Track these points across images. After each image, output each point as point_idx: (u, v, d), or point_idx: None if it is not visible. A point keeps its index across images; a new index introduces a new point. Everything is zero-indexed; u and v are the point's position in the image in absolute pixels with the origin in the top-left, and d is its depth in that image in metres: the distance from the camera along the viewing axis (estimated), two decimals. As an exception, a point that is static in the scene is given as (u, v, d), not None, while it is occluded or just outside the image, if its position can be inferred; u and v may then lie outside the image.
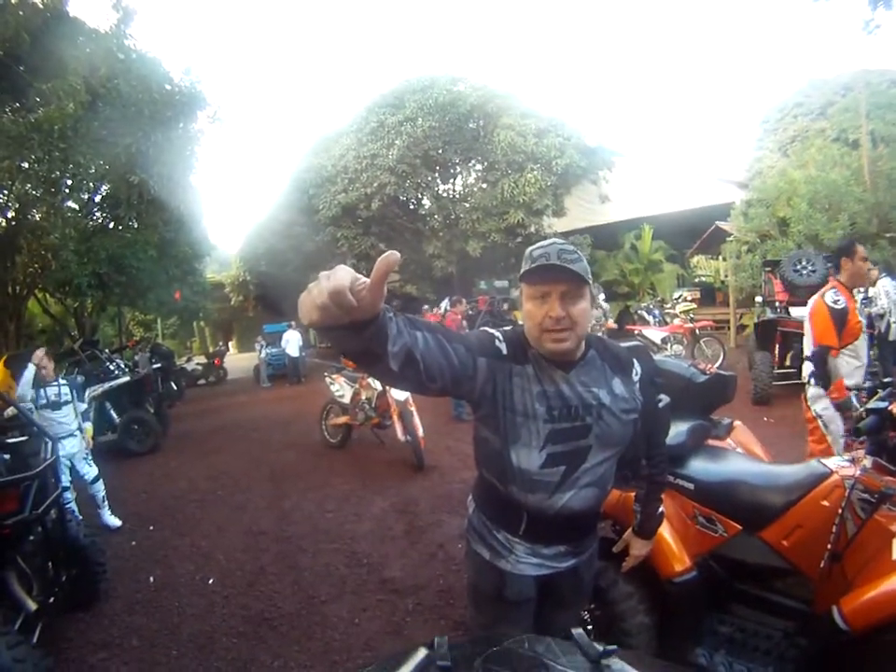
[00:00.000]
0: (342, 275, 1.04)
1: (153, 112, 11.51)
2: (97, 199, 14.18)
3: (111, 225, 14.61)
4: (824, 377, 3.99)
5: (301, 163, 20.07)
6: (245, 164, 68.42)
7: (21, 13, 10.40)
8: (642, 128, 63.76)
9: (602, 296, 16.65)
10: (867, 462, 2.40)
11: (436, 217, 17.81)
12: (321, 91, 74.88)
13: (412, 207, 19.09)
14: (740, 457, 2.92)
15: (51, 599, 3.70)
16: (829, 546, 2.27)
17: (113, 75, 11.10)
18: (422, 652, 1.08)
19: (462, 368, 1.49)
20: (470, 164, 18.70)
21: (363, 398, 7.52)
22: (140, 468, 8.35)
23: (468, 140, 17.52)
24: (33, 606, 3.44)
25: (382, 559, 4.54)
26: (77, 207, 12.84)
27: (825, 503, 2.32)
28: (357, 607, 3.85)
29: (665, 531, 2.50)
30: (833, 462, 2.47)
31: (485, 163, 17.98)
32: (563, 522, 1.77)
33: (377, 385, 7.22)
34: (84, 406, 5.97)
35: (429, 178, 18.11)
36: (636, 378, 1.80)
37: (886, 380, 3.00)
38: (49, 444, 4.06)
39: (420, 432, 6.82)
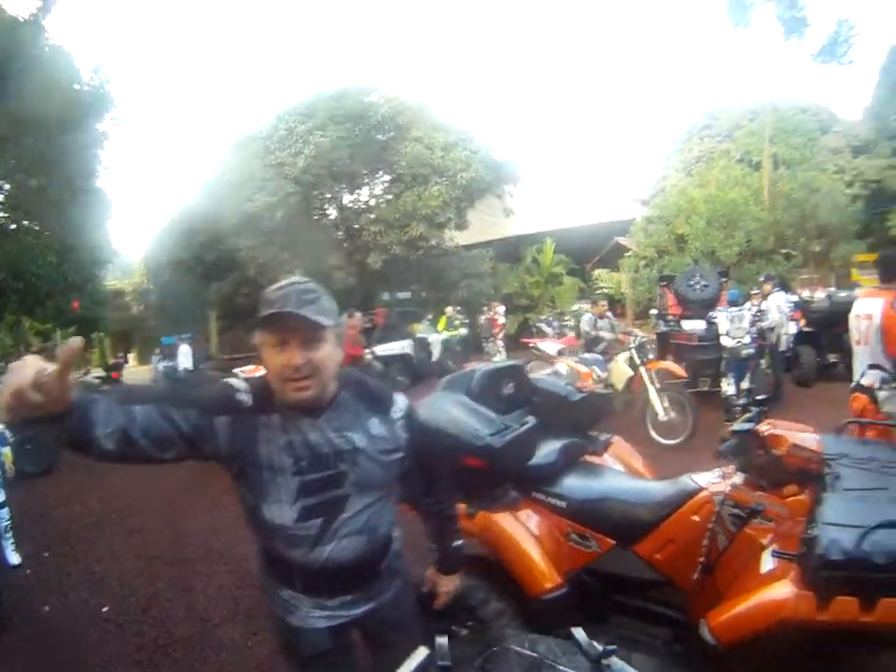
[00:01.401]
0: (23, 374, 1.07)
1: (60, 112, 11.03)
2: None
3: (12, 227, 13.93)
4: None
5: (208, 170, 19.62)
6: (152, 167, 66.91)
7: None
8: (550, 143, 65.22)
9: (502, 308, 16.59)
10: (737, 478, 2.46)
11: (339, 228, 17.47)
12: (232, 97, 74.25)
13: (316, 218, 18.68)
14: (614, 474, 2.98)
15: None
16: (701, 559, 2.33)
17: (24, 69, 10.53)
18: (422, 652, 1.09)
19: (196, 432, 1.48)
20: (377, 176, 18.49)
21: None
22: (34, 490, 7.84)
23: (376, 151, 17.32)
24: None
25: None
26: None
27: (696, 518, 2.41)
28: (249, 630, 3.75)
29: (531, 548, 2.53)
30: (703, 478, 2.55)
31: (391, 175, 17.80)
32: (332, 574, 1.68)
33: None
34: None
35: (335, 189, 17.85)
36: (396, 416, 1.73)
37: (759, 397, 3.02)
38: None
39: None
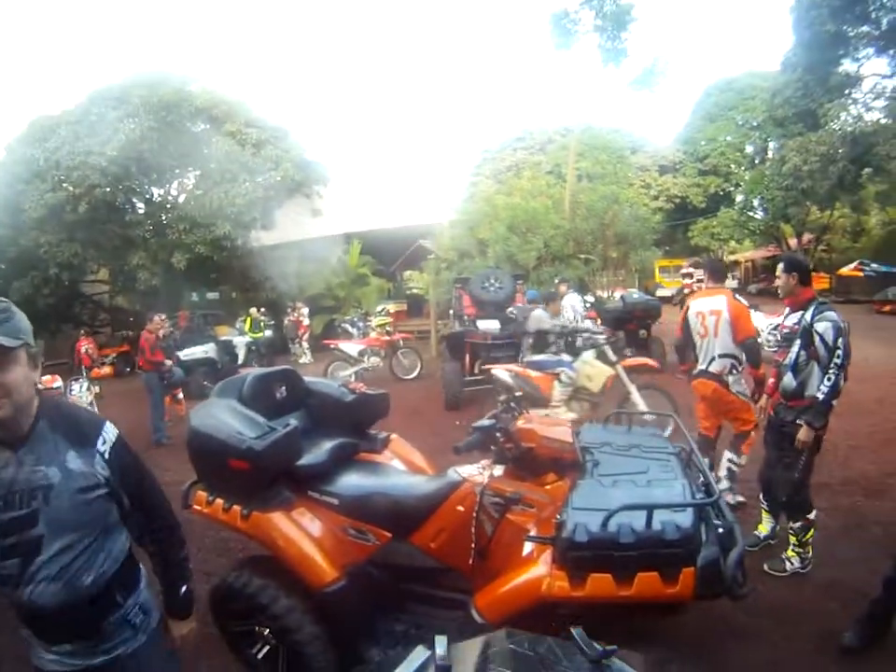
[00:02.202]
0: None
1: None
2: None
3: None
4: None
5: (11, 153, 17.60)
6: None
7: None
8: (360, 146, 65.74)
9: (307, 310, 16.49)
10: (496, 470, 2.67)
11: (146, 225, 16.69)
12: (39, 71, 69.03)
13: (123, 212, 17.49)
14: (386, 470, 3.13)
15: None
16: (472, 545, 2.51)
17: None
18: (422, 652, 1.13)
19: None
20: (188, 171, 17.84)
21: None
22: None
23: (188, 145, 16.53)
24: None
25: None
26: None
27: (460, 508, 2.60)
28: None
29: (305, 545, 2.62)
30: (465, 470, 2.72)
31: (201, 171, 17.19)
32: (41, 619, 1.59)
33: None
34: None
35: (143, 183, 17.07)
36: (102, 447, 1.59)
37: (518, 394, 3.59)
38: None
39: None
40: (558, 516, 2.31)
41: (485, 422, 2.77)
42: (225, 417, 2.76)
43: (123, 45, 68.93)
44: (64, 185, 15.90)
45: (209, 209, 15.67)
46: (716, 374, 4.55)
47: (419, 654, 1.13)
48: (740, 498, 4.71)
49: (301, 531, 2.66)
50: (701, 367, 4.66)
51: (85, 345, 14.89)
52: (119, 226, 16.88)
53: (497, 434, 2.69)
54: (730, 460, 4.65)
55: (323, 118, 63.45)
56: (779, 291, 3.90)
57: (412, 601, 2.78)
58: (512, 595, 2.29)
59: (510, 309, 9.78)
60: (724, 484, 4.56)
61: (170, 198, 18.27)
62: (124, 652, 1.70)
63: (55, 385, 6.94)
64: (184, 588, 1.89)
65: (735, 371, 4.56)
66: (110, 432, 1.64)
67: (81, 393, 6.70)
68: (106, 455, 1.59)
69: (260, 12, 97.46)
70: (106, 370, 16.29)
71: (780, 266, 3.84)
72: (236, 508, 2.72)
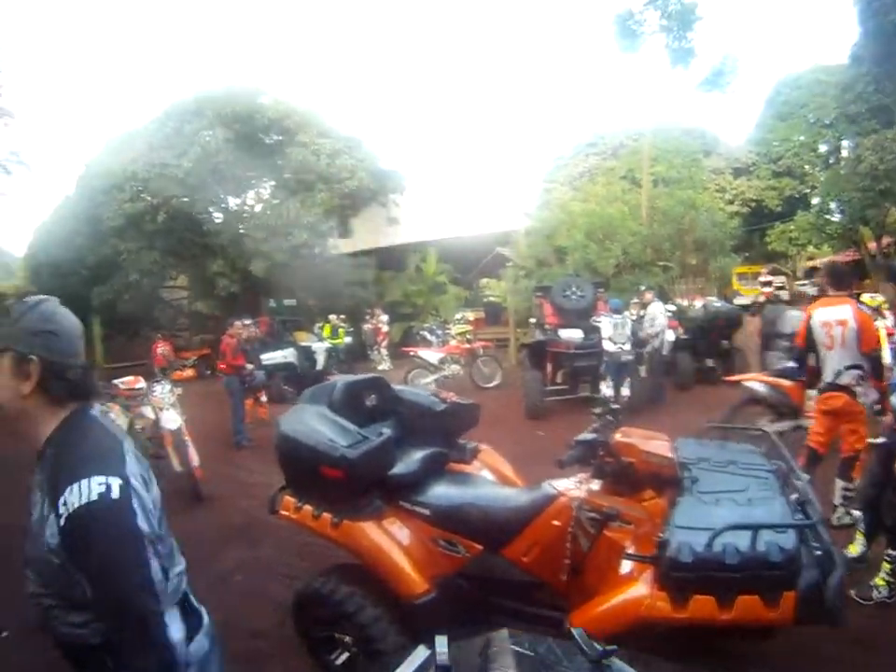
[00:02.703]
0: None
1: None
2: None
3: None
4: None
5: (91, 167, 18.44)
6: (36, 163, 62.98)
7: None
8: (435, 154, 64.48)
9: (385, 317, 16.53)
10: (594, 484, 2.61)
11: (223, 233, 16.96)
12: (117, 89, 71.63)
13: (200, 222, 17.87)
14: (478, 481, 3.09)
15: None
16: (566, 561, 2.45)
17: None
18: (422, 652, 1.12)
19: None
20: (263, 181, 18.14)
21: (137, 427, 6.87)
22: None
23: (262, 156, 16.95)
24: None
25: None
26: None
27: (556, 522, 2.52)
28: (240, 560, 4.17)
29: (396, 556, 2.61)
30: (561, 484, 2.66)
31: (276, 181, 17.50)
32: None
33: (150, 413, 6.74)
34: None
35: (220, 193, 17.37)
36: (61, 509, 1.24)
37: (614, 407, 3.26)
38: None
39: (195, 462, 6.39)
40: (660, 534, 2.24)
41: (588, 435, 2.71)
42: (316, 424, 2.77)
43: (196, 60, 70.93)
44: (142, 195, 16.37)
45: (286, 218, 15.97)
46: (845, 386, 4.34)
47: (419, 654, 1.12)
48: (855, 513, 4.43)
49: (392, 541, 2.67)
50: (828, 380, 4.45)
51: (161, 347, 15.31)
52: (197, 235, 17.35)
53: (598, 448, 2.62)
54: (844, 488, 4.39)
55: (397, 126, 63.79)
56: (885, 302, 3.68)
57: (501, 616, 2.69)
58: (611, 615, 2.21)
59: (593, 318, 9.64)
60: (840, 512, 4.33)
61: (246, 207, 18.57)
62: None
63: (138, 387, 7.02)
64: None
65: (861, 382, 4.35)
66: (76, 494, 1.23)
67: (164, 394, 6.83)
68: (61, 522, 1.23)
69: (330, 23, 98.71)
70: (188, 372, 16.78)
71: (883, 276, 3.60)
72: (326, 515, 2.73)
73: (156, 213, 16.13)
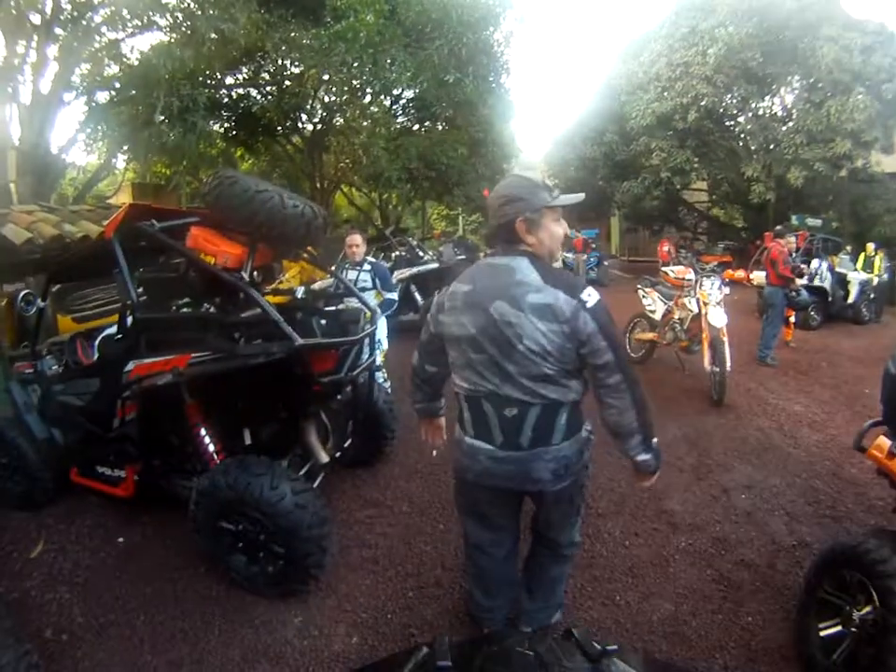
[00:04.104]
0: None
1: (459, 15, 11.72)
2: (401, 102, 15.13)
3: (416, 127, 15.48)
4: None
5: (611, 69, 19.29)
6: (552, 69, 65.58)
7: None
8: None
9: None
10: None
11: (755, 136, 16.30)
12: None
13: (727, 123, 17.62)
14: None
15: (338, 454, 3.99)
16: None
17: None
18: (423, 651, 1.13)
19: None
20: (789, 80, 16.55)
21: (675, 317, 7.08)
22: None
23: (786, 52, 15.37)
24: (324, 457, 3.68)
25: (665, 488, 4.33)
26: (378, 111, 13.43)
27: None
28: (630, 530, 3.83)
29: None
30: None
31: (806, 81, 15.91)
32: None
33: (693, 306, 6.69)
34: (393, 296, 5.86)
35: (747, 93, 16.40)
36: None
37: None
38: (368, 315, 4.03)
39: (728, 366, 6.24)
40: None
41: None
42: None
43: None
44: (665, 95, 16.45)
45: (826, 123, 14.59)
46: None
47: (420, 653, 1.11)
48: None
49: None
50: None
51: (667, 245, 15.90)
52: (725, 136, 17.17)
53: None
54: None
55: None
56: None
57: None
58: None
59: None
60: None
61: (779, 109, 17.54)
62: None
63: (688, 277, 7.11)
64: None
65: None
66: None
67: (712, 290, 6.72)
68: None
69: None
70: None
71: None
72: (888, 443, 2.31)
73: (685, 112, 16.06)
